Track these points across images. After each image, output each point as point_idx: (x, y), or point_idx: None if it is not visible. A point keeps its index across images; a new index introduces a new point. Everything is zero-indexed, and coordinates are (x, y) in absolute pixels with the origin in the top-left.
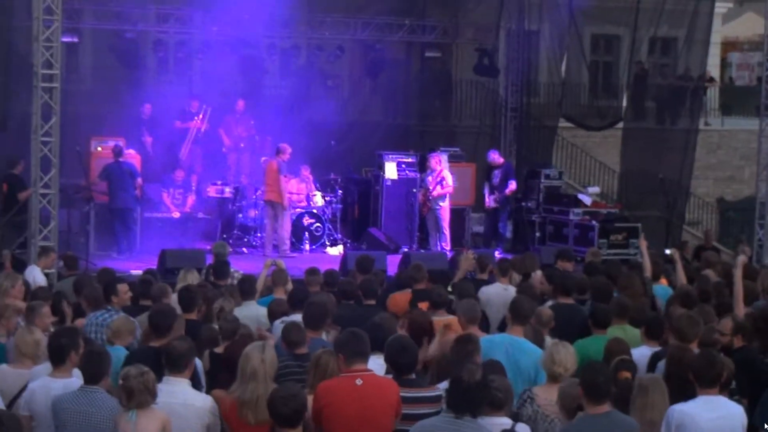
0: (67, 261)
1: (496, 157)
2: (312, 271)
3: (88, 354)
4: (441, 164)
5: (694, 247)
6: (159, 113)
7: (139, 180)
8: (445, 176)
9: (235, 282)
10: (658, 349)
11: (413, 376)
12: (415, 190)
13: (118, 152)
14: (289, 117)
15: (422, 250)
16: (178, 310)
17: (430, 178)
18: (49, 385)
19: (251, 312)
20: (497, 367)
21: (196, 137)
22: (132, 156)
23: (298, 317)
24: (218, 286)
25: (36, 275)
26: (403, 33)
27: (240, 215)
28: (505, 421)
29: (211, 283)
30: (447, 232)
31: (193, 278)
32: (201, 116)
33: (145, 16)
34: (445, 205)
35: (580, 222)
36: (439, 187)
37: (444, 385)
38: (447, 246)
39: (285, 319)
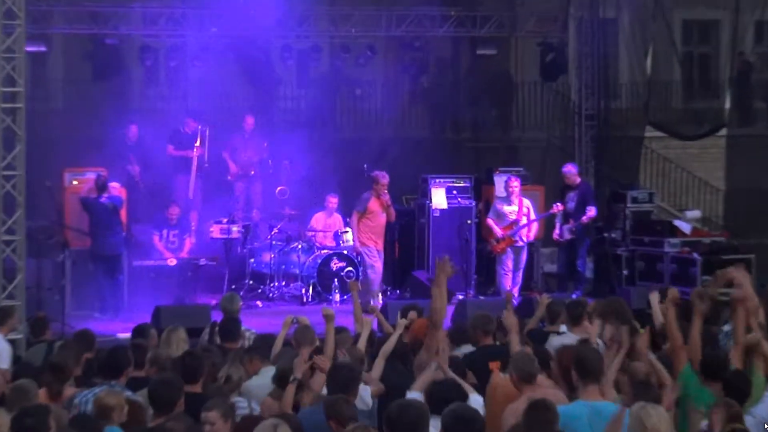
0: (33, 325)
1: (573, 172)
2: (339, 330)
3: None
4: (520, 190)
5: None
6: (148, 136)
7: (122, 215)
8: (529, 207)
9: (248, 344)
10: None
11: None
12: (469, 222)
13: (101, 186)
14: (311, 135)
15: (481, 297)
16: None
17: (512, 208)
18: None
19: (269, 381)
20: None
21: (200, 167)
22: (117, 190)
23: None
24: (226, 350)
25: None
26: (448, 26)
27: (252, 260)
28: None
29: (218, 346)
30: (521, 275)
31: (178, 340)
32: (199, 142)
33: (128, 17)
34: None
35: (679, 255)
36: (525, 220)
37: None
38: (517, 290)
39: None
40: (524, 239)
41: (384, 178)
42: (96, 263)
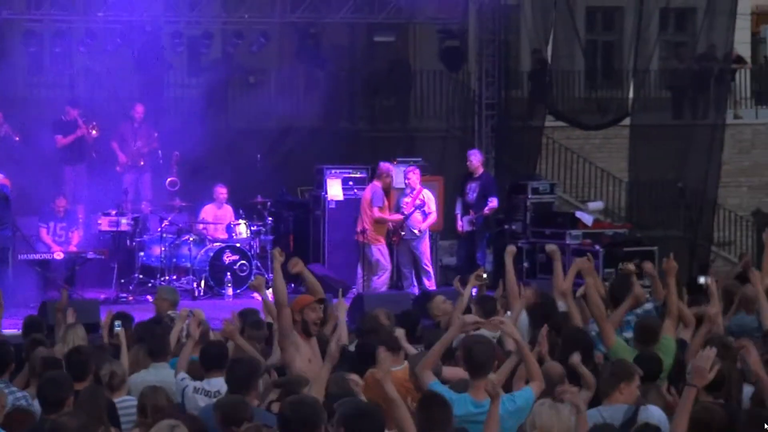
0: None
1: (477, 159)
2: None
3: None
4: (419, 181)
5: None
6: (34, 126)
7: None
8: (425, 199)
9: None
10: None
11: None
12: None
13: None
14: (202, 125)
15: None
16: None
17: (406, 200)
18: None
19: (162, 377)
20: None
21: (83, 150)
22: (2, 180)
23: (216, 382)
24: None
25: None
26: (345, 12)
27: (142, 253)
28: None
29: (111, 344)
30: (430, 267)
31: (76, 338)
32: (84, 123)
33: (10, 1)
34: (425, 235)
35: (580, 247)
36: (419, 214)
37: None
38: (433, 286)
39: (198, 385)
40: (416, 234)
41: (391, 168)
42: None
